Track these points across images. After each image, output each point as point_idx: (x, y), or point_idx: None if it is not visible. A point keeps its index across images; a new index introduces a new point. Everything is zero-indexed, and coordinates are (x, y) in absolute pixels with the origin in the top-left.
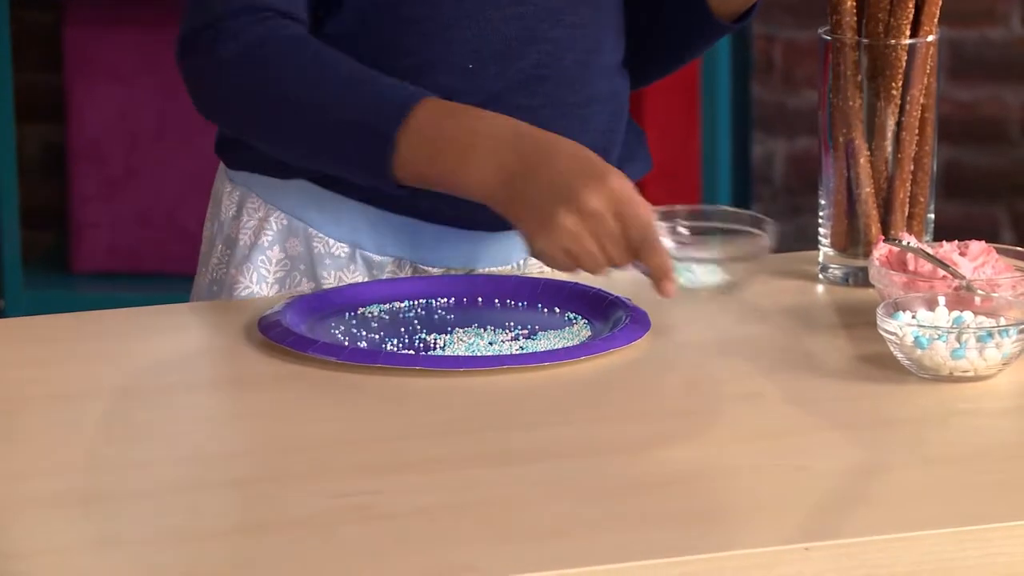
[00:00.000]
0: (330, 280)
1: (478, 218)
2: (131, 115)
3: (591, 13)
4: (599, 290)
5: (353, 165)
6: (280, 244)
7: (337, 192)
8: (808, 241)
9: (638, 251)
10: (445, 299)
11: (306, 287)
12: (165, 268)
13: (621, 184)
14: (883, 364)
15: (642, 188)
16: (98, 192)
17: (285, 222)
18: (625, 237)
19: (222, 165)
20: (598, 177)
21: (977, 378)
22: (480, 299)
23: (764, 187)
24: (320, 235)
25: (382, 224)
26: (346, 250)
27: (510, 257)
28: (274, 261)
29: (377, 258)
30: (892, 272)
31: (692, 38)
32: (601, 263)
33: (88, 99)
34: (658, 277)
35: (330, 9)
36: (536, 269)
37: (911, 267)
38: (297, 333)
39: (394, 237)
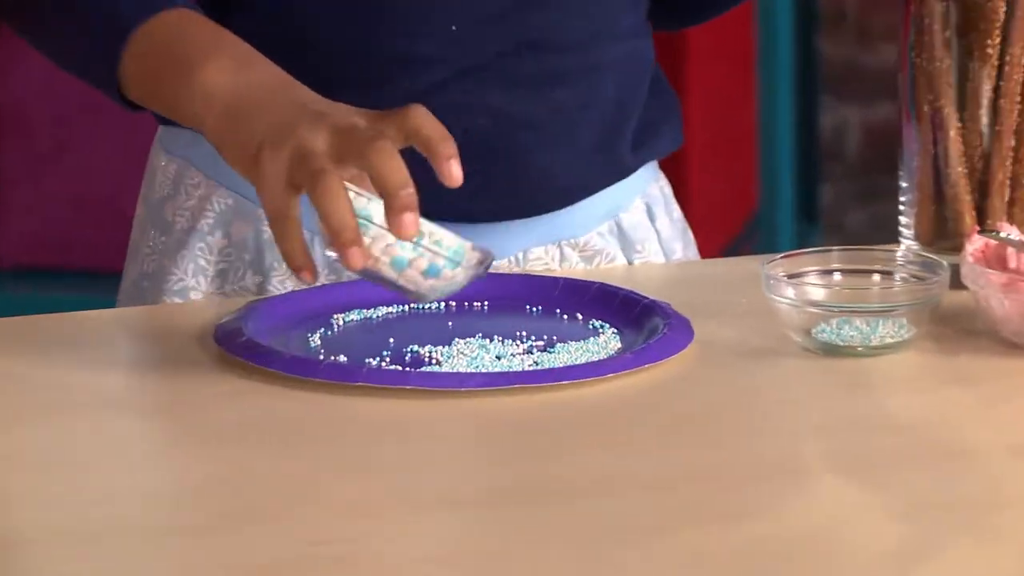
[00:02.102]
0: (280, 272)
1: (474, 209)
2: (61, 82)
3: None
4: (631, 292)
5: (84, 63)
6: (223, 228)
7: None
8: (888, 232)
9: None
10: (442, 303)
11: (251, 281)
12: (101, 264)
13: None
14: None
15: (682, 168)
16: (24, 172)
17: (230, 201)
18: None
19: (159, 132)
20: (318, 115)
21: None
22: (485, 303)
23: (834, 165)
24: None
25: None
26: (304, 235)
27: (506, 249)
28: (215, 250)
29: None
30: (989, 271)
31: None
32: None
33: (11, 61)
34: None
35: None
36: (540, 264)
37: (1012, 264)
38: (262, 344)
39: None
